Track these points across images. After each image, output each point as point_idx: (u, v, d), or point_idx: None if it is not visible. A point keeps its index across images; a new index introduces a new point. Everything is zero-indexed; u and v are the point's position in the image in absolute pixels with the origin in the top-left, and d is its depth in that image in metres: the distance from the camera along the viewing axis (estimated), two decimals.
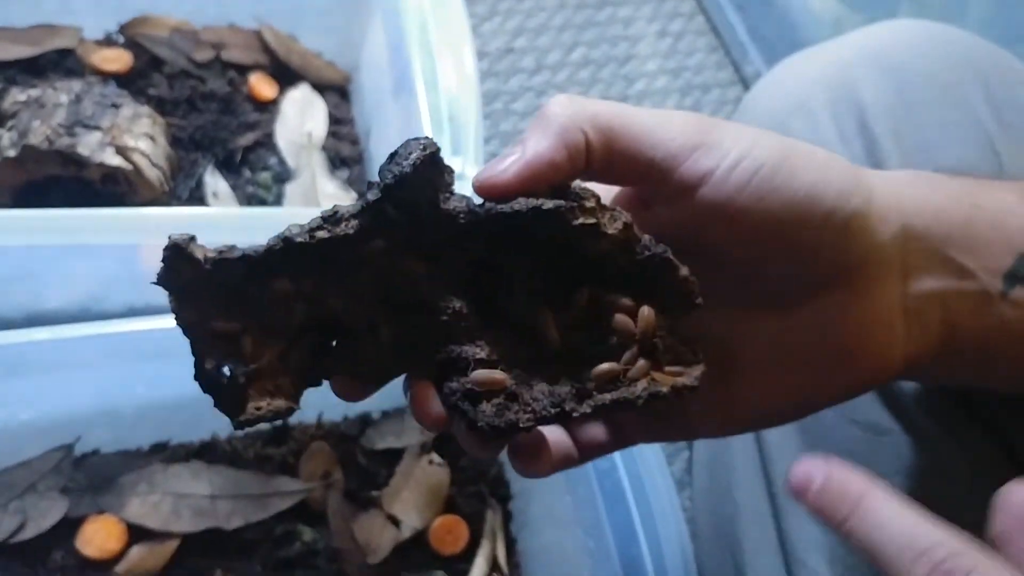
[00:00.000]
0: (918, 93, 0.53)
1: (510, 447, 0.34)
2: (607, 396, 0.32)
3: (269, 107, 0.78)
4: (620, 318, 0.32)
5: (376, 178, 0.31)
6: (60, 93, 0.69)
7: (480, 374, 0.31)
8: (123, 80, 0.76)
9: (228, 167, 0.76)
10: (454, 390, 0.31)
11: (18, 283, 0.62)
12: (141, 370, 0.58)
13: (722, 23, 1.03)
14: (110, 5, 0.78)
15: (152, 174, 0.69)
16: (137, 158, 0.68)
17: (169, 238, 0.29)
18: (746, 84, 1.01)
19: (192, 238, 0.29)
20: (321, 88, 0.80)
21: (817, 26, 0.90)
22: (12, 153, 0.66)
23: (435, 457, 0.68)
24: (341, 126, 0.80)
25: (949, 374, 0.36)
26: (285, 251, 0.30)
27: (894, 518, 0.28)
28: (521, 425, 0.31)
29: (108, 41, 0.78)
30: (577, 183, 0.32)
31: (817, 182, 0.32)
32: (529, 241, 0.31)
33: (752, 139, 0.32)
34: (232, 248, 0.30)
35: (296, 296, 0.31)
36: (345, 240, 0.30)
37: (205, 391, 0.30)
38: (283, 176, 0.76)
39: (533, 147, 0.31)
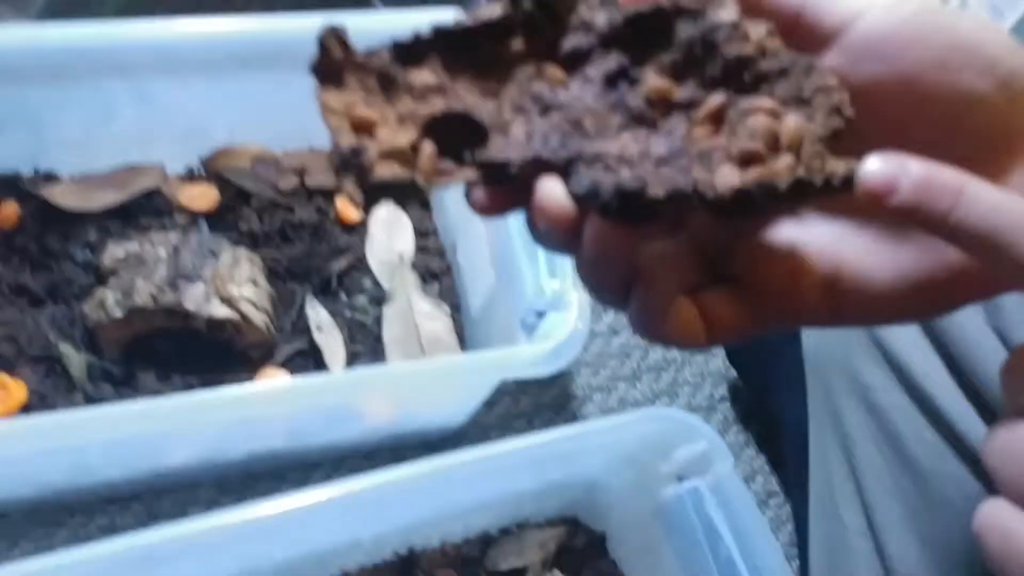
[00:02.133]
0: None
1: (639, 305, 0.32)
2: (748, 176, 0.29)
3: (357, 229, 0.79)
4: (761, 119, 0.30)
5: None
6: (158, 247, 0.69)
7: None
8: (213, 218, 0.77)
9: (325, 293, 0.76)
10: (583, 181, 0.30)
11: (141, 447, 0.63)
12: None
13: None
14: (188, 135, 0.78)
15: (259, 319, 0.69)
16: (244, 307, 0.68)
17: (325, 25, 0.31)
18: None
19: (345, 29, 0.31)
20: (404, 202, 0.81)
21: None
22: (119, 314, 0.67)
23: (558, 573, 0.69)
24: (427, 238, 0.81)
25: None
26: (431, 40, 0.31)
27: (1003, 200, 0.27)
28: (652, 195, 0.29)
29: (191, 176, 0.79)
30: None
31: (980, 32, 0.31)
32: (668, 47, 0.32)
33: None
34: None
35: (435, 89, 0.32)
36: (487, 32, 0.31)
37: (338, 166, 0.31)
38: (379, 297, 0.77)
39: None
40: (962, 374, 0.56)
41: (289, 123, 0.79)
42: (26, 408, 0.67)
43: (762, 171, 0.30)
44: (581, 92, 0.32)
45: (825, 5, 0.31)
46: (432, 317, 0.76)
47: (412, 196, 0.76)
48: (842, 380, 0.62)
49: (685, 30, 0.31)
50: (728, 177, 0.30)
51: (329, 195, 0.79)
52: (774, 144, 0.30)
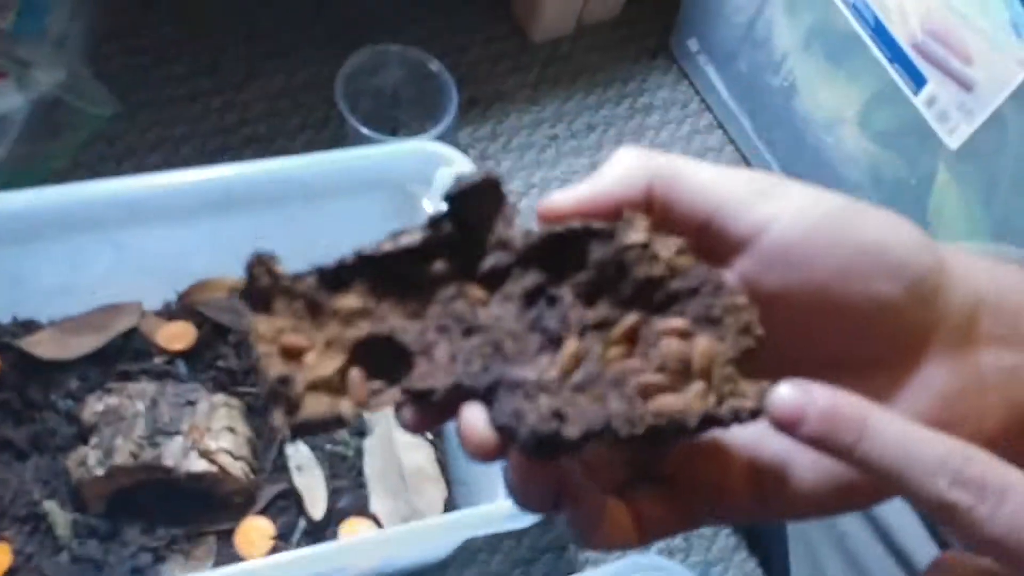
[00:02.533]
0: None
1: (569, 516, 0.32)
2: (660, 417, 0.30)
3: None
4: (672, 342, 0.31)
5: None
6: (136, 400, 0.70)
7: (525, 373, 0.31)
8: (190, 355, 0.77)
9: None
10: (503, 410, 0.30)
11: None
12: None
13: (755, 159, 1.03)
14: (164, 272, 0.79)
15: (237, 469, 0.70)
16: (221, 459, 0.69)
17: (254, 253, 0.31)
18: None
19: (274, 256, 0.32)
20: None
21: (853, 165, 0.90)
22: (100, 472, 0.68)
23: None
24: None
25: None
26: (355, 265, 0.32)
27: (906, 436, 0.27)
28: (567, 436, 0.30)
29: (168, 312, 0.80)
30: (628, 211, 0.33)
31: (888, 234, 0.31)
32: (582, 266, 0.33)
33: (818, 191, 0.32)
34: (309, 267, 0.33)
35: (361, 313, 0.32)
36: (409, 256, 0.32)
37: (267, 399, 0.31)
38: (360, 428, 0.77)
39: (595, 182, 0.32)
40: (934, 528, 0.56)
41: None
42: (11, 571, 0.68)
43: (673, 405, 0.30)
44: (501, 311, 0.33)
45: (734, 214, 0.32)
46: (414, 448, 0.76)
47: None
48: (821, 525, 0.63)
49: (597, 251, 0.32)
50: (639, 416, 0.30)
51: None
52: (686, 369, 0.31)
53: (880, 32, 0.79)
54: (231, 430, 0.71)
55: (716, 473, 0.33)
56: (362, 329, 0.33)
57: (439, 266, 0.33)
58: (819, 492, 0.32)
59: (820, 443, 0.28)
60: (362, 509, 0.74)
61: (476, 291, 0.33)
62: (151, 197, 0.69)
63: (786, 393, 0.29)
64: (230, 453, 0.70)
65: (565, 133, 1.02)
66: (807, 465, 0.32)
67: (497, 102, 1.02)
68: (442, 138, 0.89)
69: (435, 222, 0.33)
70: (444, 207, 0.33)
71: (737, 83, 1.00)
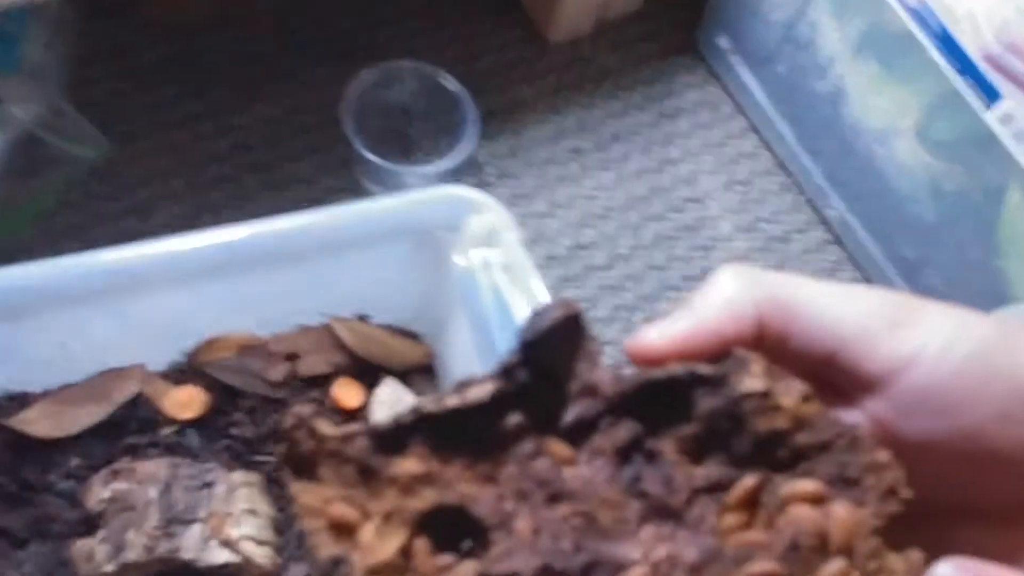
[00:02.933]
0: None
1: None
2: None
3: (359, 413, 0.73)
4: (804, 511, 0.27)
5: None
6: (146, 486, 0.63)
7: None
8: (202, 423, 0.70)
9: None
10: None
11: None
12: None
13: (795, 166, 0.96)
14: (168, 333, 0.72)
15: (261, 555, 0.64)
16: (244, 547, 0.63)
17: (296, 412, 0.28)
18: (829, 226, 0.94)
19: (316, 412, 0.28)
20: (406, 373, 0.74)
21: (908, 176, 0.83)
22: (110, 568, 0.61)
23: None
24: None
25: None
26: (415, 425, 0.28)
27: None
28: None
29: (175, 374, 0.73)
30: (739, 349, 0.28)
31: None
32: (686, 417, 0.28)
33: (961, 317, 0.28)
34: (360, 425, 0.28)
35: (423, 479, 0.28)
36: (479, 412, 0.28)
37: None
38: None
39: (697, 314, 0.28)
40: None
41: (273, 305, 0.73)
42: None
43: None
44: (591, 471, 0.29)
45: (865, 349, 0.28)
46: None
47: None
48: None
49: (705, 400, 0.28)
50: None
51: (324, 380, 0.73)
52: (821, 544, 0.27)
53: (947, 42, 0.72)
54: (252, 512, 0.65)
55: None
56: (426, 498, 0.28)
57: (513, 419, 0.29)
58: None
59: None
60: None
61: (559, 447, 0.29)
62: (153, 265, 0.63)
63: (951, 574, 0.24)
64: (253, 539, 0.64)
65: (589, 145, 0.95)
66: None
67: (514, 113, 0.95)
68: (464, 162, 0.83)
69: (508, 370, 0.28)
70: (517, 352, 0.28)
71: (775, 86, 0.93)
